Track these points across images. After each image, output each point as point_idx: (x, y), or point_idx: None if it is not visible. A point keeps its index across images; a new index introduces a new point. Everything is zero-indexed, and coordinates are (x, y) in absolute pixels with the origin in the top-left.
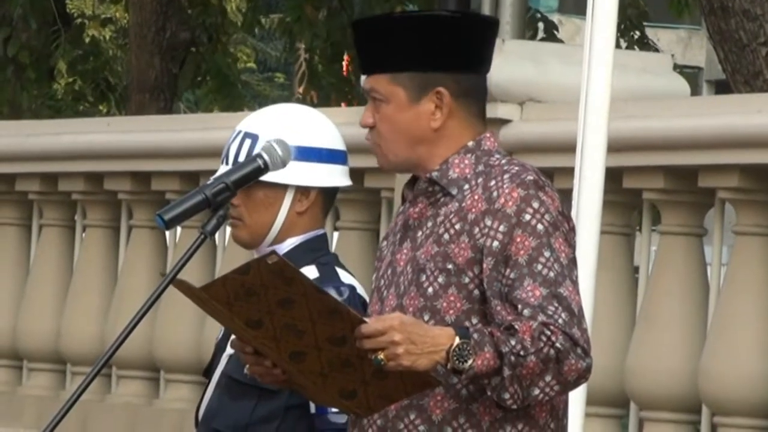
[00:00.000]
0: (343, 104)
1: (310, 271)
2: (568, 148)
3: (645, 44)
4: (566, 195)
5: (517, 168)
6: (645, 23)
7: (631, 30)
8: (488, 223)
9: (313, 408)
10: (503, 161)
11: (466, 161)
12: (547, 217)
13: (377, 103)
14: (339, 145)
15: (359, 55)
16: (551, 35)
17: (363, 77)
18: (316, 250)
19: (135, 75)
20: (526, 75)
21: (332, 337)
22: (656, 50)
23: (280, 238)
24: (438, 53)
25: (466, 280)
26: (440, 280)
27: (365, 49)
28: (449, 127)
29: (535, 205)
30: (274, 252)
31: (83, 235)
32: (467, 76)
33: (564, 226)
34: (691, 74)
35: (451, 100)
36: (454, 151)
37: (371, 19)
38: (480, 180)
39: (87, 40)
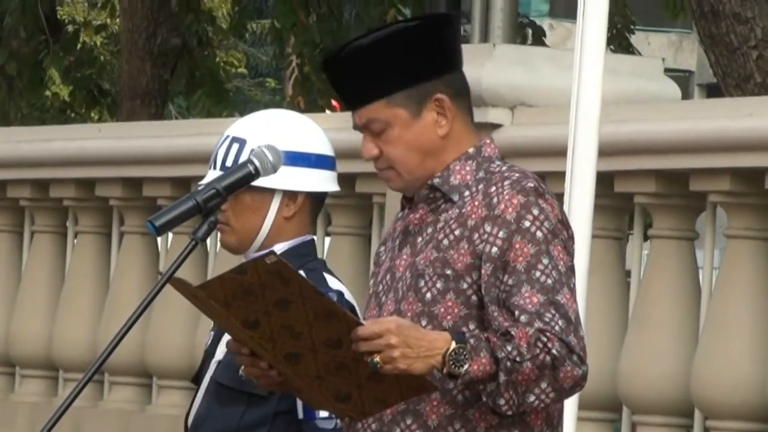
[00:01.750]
0: (333, 102)
1: None
2: (559, 152)
3: (630, 53)
4: (557, 199)
5: (517, 175)
6: (636, 27)
7: (618, 39)
8: (488, 229)
9: (301, 413)
10: (504, 168)
11: (467, 168)
12: (546, 224)
13: (379, 131)
14: (327, 150)
15: (341, 92)
16: (539, 41)
17: (352, 114)
18: (303, 255)
19: (126, 81)
20: (517, 79)
21: (328, 340)
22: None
23: (267, 243)
24: (423, 62)
25: (465, 285)
26: (438, 285)
27: (348, 86)
28: (455, 131)
29: (535, 212)
30: (272, 252)
31: (75, 241)
32: (453, 75)
33: (563, 234)
34: (682, 78)
35: (451, 103)
36: (457, 156)
37: (343, 56)
38: (480, 186)
39: (79, 46)
